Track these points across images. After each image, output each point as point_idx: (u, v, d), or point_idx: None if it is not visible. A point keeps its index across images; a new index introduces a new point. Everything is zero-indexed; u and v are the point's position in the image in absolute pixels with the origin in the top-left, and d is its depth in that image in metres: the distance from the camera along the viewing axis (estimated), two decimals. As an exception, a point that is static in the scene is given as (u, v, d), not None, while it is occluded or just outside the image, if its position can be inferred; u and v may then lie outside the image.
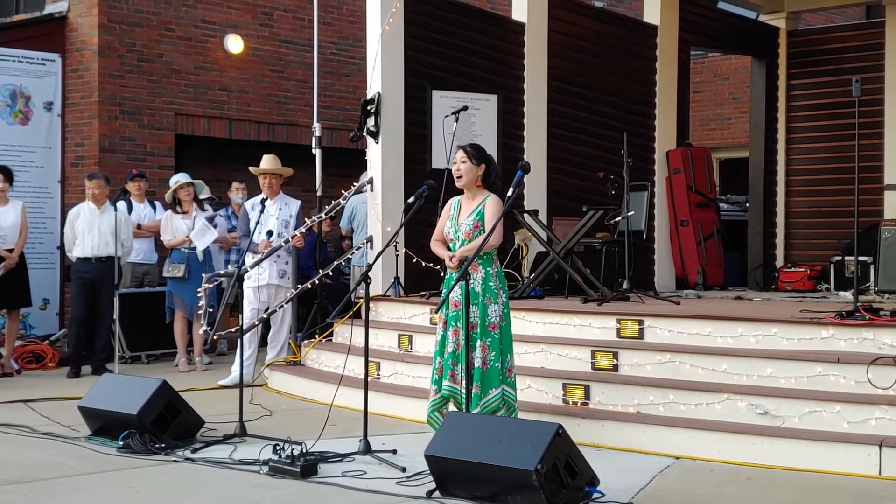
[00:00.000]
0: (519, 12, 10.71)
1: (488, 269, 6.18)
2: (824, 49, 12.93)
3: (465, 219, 6.25)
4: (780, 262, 12.78)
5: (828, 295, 10.33)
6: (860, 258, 9.33)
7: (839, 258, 10.91)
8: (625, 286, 8.72)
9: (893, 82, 12.11)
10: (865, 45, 12.50)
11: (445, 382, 6.16)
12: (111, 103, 11.86)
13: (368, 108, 9.32)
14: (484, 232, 6.09)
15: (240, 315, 8.36)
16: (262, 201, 8.94)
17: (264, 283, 9.15)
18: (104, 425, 6.61)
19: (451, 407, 6.16)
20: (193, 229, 10.00)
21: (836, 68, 12.53)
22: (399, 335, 8.40)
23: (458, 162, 6.28)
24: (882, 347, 6.27)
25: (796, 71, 13.10)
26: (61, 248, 10.97)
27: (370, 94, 9.41)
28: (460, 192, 6.40)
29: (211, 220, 10.31)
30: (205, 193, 10.70)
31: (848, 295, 8.98)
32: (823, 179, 12.63)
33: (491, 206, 6.20)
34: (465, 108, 9.44)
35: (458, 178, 6.29)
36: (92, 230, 9.64)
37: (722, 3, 13.54)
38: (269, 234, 8.57)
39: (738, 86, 16.26)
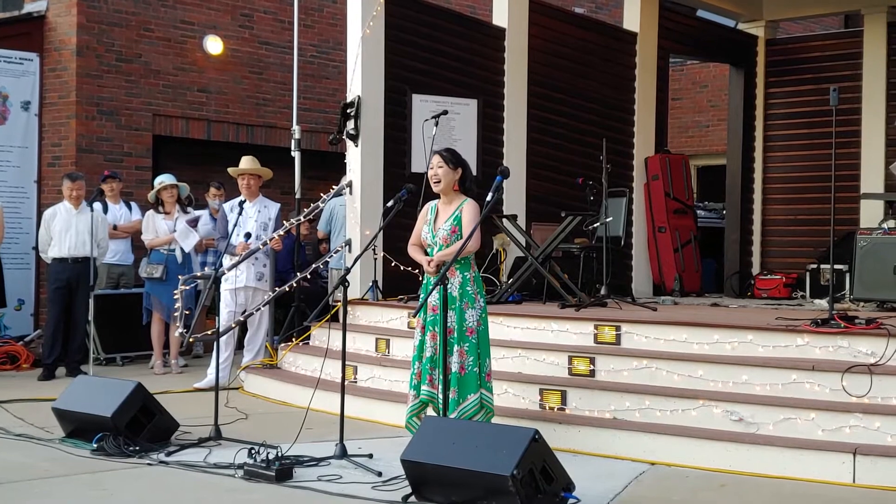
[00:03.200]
0: (499, 17, 10.72)
1: (466, 273, 6.17)
2: (802, 58, 13.03)
3: (442, 223, 6.25)
4: (756, 270, 12.84)
5: (803, 303, 10.38)
6: (836, 266, 9.39)
7: (815, 266, 10.97)
8: (602, 292, 8.74)
9: (871, 91, 12.21)
10: (843, 55, 12.60)
11: (424, 387, 6.15)
12: (89, 103, 11.80)
13: (348, 111, 9.31)
14: (461, 236, 6.09)
15: (216, 317, 8.35)
16: (241, 203, 8.90)
17: (241, 286, 9.12)
18: (78, 427, 6.57)
19: (430, 412, 6.16)
20: (176, 231, 9.96)
21: (814, 77, 12.63)
22: (377, 339, 8.38)
23: (435, 167, 6.28)
24: (857, 355, 6.30)
25: (774, 79, 13.18)
26: (37, 248, 10.89)
27: (350, 97, 9.40)
28: (439, 196, 6.39)
29: (195, 221, 10.27)
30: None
31: (823, 303, 9.03)
32: (800, 187, 12.71)
33: (468, 210, 6.20)
34: (445, 113, 9.44)
35: (435, 183, 6.29)
36: (69, 230, 9.57)
37: (701, 12, 13.63)
38: (248, 236, 8.54)
39: (716, 93, 16.35)
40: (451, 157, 6.27)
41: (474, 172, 6.66)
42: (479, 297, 6.21)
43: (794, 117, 12.89)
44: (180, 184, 10.29)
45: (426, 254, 6.32)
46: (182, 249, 10.06)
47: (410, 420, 6.20)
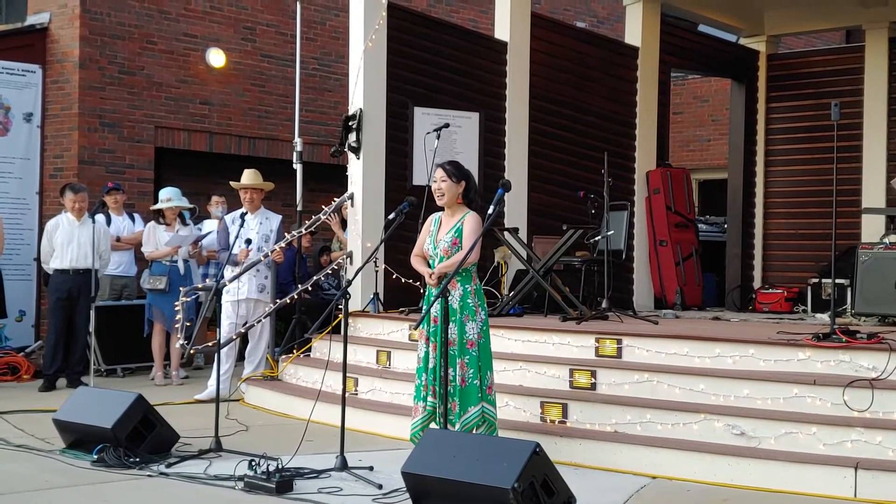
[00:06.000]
0: (501, 31, 10.75)
1: (467, 286, 6.17)
2: (804, 73, 13.06)
3: (443, 235, 6.25)
4: (757, 284, 12.85)
5: (805, 317, 10.37)
6: (837, 281, 9.37)
7: (816, 280, 10.97)
8: (604, 305, 8.74)
9: (872, 106, 12.24)
10: (845, 70, 12.63)
11: (430, 399, 6.13)
12: (91, 115, 11.82)
13: (350, 123, 9.33)
14: (462, 248, 6.09)
15: (217, 329, 8.34)
16: (243, 215, 8.90)
17: (243, 298, 9.12)
18: (79, 439, 6.57)
19: (435, 425, 6.13)
20: (168, 243, 9.97)
21: (816, 92, 12.64)
22: (377, 351, 8.38)
23: (438, 181, 6.28)
24: (858, 370, 6.30)
25: (776, 94, 13.20)
26: (38, 259, 10.90)
27: (352, 109, 9.42)
28: (441, 208, 6.40)
29: (202, 238, 10.32)
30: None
31: (825, 317, 9.02)
32: (802, 202, 12.73)
33: (469, 222, 6.20)
34: (447, 126, 9.46)
35: (439, 197, 6.29)
36: (71, 242, 9.57)
37: (702, 26, 13.66)
38: (248, 242, 8.51)
39: (717, 108, 16.38)
40: (454, 171, 6.27)
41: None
42: (481, 310, 6.21)
43: (796, 132, 12.91)
44: (184, 203, 10.27)
45: (428, 265, 6.32)
46: (184, 261, 10.07)
47: (417, 434, 6.10)
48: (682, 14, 12.98)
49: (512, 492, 4.76)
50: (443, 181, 6.26)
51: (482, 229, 6.11)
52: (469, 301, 6.15)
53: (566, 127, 11.27)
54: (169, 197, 10.16)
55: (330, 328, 8.63)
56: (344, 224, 10.39)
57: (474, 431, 6.02)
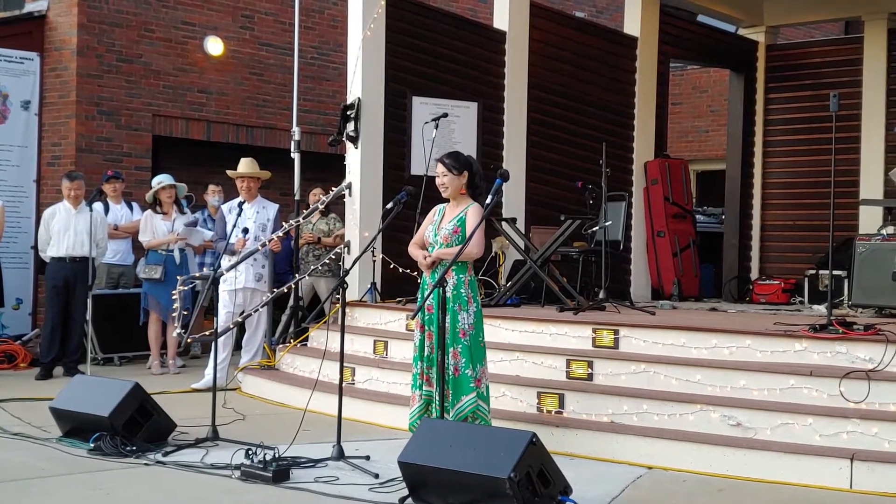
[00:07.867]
0: (500, 21, 10.73)
1: (461, 276, 6.15)
2: (802, 63, 13.04)
3: (446, 224, 6.24)
4: (754, 275, 12.85)
5: (802, 308, 10.38)
6: (834, 272, 9.38)
7: (813, 272, 10.98)
8: (601, 296, 8.74)
9: (870, 97, 12.23)
10: (843, 61, 12.62)
11: (425, 387, 6.14)
12: (89, 103, 11.79)
13: (348, 112, 9.31)
14: (463, 237, 6.08)
15: (214, 318, 8.35)
16: (240, 204, 8.90)
17: (240, 287, 9.11)
18: (75, 427, 6.57)
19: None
20: (180, 230, 9.97)
21: (814, 83, 12.64)
22: (375, 341, 8.38)
23: (441, 175, 6.26)
24: (855, 361, 6.31)
25: (774, 85, 13.19)
26: (35, 247, 10.88)
27: (350, 98, 9.40)
28: (439, 198, 6.39)
29: (194, 223, 10.29)
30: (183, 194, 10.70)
31: (822, 308, 9.02)
32: (799, 193, 12.73)
33: (473, 214, 6.17)
34: (445, 115, 9.45)
35: (444, 191, 6.28)
36: (68, 230, 9.56)
37: (701, 17, 13.64)
38: (245, 231, 8.51)
39: (716, 98, 16.36)
40: (454, 163, 6.25)
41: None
42: (473, 302, 6.17)
43: (794, 123, 12.91)
44: (178, 184, 10.29)
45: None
46: (180, 250, 10.06)
47: (415, 423, 6.09)
48: (681, 4, 12.96)
49: (508, 481, 4.77)
50: (444, 175, 6.24)
51: (481, 219, 6.09)
52: (462, 291, 6.13)
53: (564, 117, 11.26)
54: (160, 181, 10.16)
55: (327, 318, 8.64)
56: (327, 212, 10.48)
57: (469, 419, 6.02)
